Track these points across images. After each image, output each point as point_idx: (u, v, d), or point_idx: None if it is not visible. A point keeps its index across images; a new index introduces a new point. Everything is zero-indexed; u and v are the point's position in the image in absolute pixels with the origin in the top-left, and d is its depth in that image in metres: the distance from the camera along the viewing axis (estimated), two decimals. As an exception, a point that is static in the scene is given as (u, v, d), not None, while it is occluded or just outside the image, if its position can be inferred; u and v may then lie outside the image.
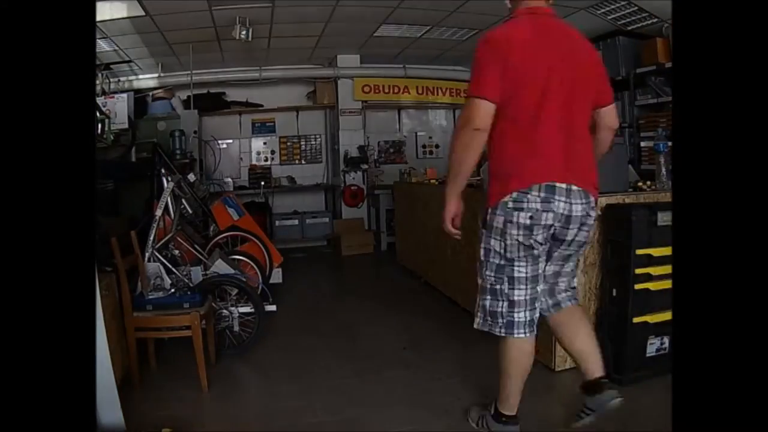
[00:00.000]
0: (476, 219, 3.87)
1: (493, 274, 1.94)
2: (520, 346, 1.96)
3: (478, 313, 2.01)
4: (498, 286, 1.93)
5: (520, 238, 1.84)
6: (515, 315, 1.93)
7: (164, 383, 2.79)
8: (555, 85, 1.78)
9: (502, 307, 1.93)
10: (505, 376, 2.02)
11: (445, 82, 7.28)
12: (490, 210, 1.89)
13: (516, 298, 1.91)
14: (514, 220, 1.82)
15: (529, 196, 1.80)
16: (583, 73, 1.86)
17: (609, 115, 1.99)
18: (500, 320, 1.94)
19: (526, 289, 1.92)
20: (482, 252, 1.97)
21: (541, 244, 1.87)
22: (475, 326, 2.03)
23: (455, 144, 1.84)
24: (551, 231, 1.85)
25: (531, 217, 1.80)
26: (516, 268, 1.90)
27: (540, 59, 1.79)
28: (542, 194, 1.79)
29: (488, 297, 1.97)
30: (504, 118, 1.81)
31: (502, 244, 1.88)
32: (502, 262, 1.91)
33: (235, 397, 2.72)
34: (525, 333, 1.94)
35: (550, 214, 1.81)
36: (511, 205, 1.82)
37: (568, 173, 1.81)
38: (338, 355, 3.19)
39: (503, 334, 1.95)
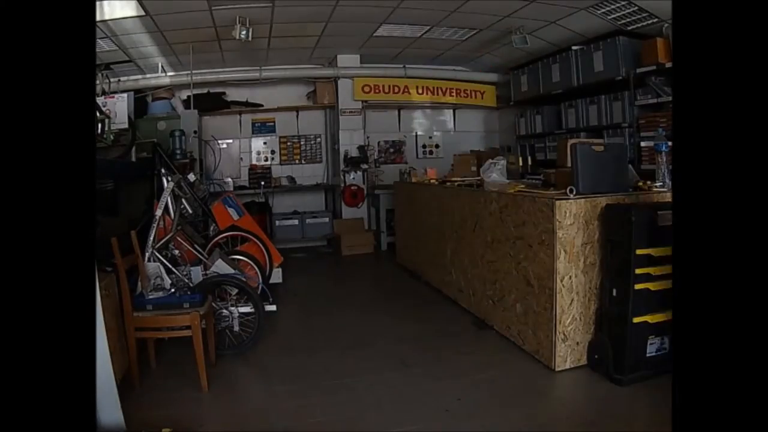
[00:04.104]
0: (474, 219, 3.86)
1: None
2: None
3: None
4: None
5: None
6: None
7: (164, 383, 2.79)
8: None
9: None
10: None
11: (446, 82, 7.28)
12: None
13: None
14: None
15: None
16: None
17: None
18: None
19: None
20: None
21: None
22: None
23: None
24: None
25: None
26: None
27: None
28: None
29: None
30: None
31: None
32: None
33: (235, 397, 2.72)
34: None
35: None
36: None
37: None
38: (338, 354, 3.19)
39: None
